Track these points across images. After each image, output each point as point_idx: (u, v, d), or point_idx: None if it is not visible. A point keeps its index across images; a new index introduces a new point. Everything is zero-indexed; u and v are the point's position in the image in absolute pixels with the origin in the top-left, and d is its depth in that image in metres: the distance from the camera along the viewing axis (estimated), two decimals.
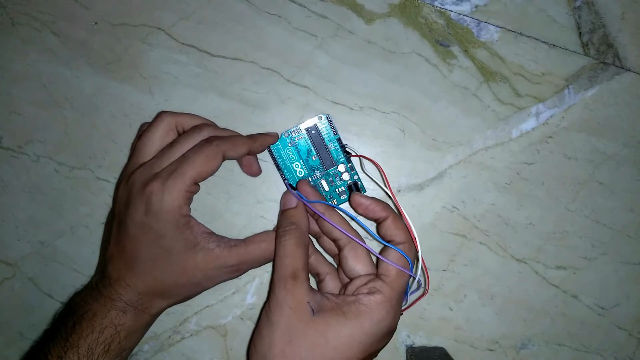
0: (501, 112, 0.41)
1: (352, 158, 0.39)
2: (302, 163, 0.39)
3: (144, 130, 0.36)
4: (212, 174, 0.34)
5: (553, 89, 0.41)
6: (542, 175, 0.41)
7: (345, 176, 0.39)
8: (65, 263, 0.40)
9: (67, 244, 0.41)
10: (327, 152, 0.39)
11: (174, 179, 0.32)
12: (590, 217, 0.41)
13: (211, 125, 0.37)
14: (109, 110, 0.41)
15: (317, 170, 0.39)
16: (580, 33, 0.41)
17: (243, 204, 0.41)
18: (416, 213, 0.41)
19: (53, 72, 0.41)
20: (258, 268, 0.40)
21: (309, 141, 0.39)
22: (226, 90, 0.41)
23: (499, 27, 0.41)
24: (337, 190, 0.40)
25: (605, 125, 0.41)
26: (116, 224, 0.34)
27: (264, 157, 0.41)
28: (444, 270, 0.41)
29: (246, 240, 0.35)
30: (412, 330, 0.41)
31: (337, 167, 0.39)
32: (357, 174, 0.40)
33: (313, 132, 0.39)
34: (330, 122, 0.39)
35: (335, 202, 0.40)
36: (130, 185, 0.33)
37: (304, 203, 0.35)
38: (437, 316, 0.41)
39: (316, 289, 0.34)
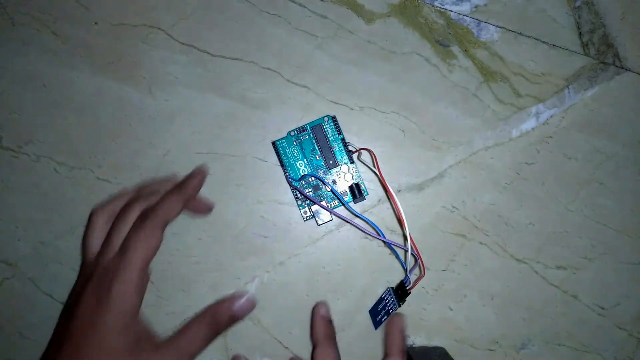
0: (501, 112, 0.41)
1: (353, 156, 0.40)
2: (306, 162, 0.39)
3: (84, 234, 0.35)
4: (158, 247, 0.33)
5: (553, 89, 0.41)
6: (542, 175, 0.41)
7: (348, 177, 0.40)
8: (65, 263, 0.40)
9: (67, 244, 0.40)
10: (331, 152, 0.39)
11: (122, 269, 0.31)
12: (590, 217, 0.41)
13: (140, 196, 0.35)
14: (109, 110, 0.41)
15: (321, 169, 0.39)
16: (580, 33, 0.41)
17: (243, 204, 0.41)
18: (416, 213, 0.41)
19: (53, 72, 0.41)
20: (258, 268, 0.40)
21: (313, 140, 0.39)
22: (226, 90, 0.41)
23: (499, 27, 0.41)
24: (339, 191, 0.40)
25: (605, 125, 0.41)
26: (64, 317, 0.33)
27: (265, 158, 0.41)
28: (444, 270, 0.41)
29: (179, 336, 0.33)
30: (412, 330, 0.41)
31: (340, 168, 0.39)
32: (360, 176, 0.40)
33: (318, 131, 0.39)
34: (335, 122, 0.39)
35: (338, 203, 0.40)
36: (83, 281, 0.33)
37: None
38: (437, 316, 0.41)
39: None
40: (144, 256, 0.32)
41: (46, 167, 0.41)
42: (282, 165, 0.39)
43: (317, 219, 0.39)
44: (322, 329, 0.36)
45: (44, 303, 0.40)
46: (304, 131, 0.39)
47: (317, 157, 0.39)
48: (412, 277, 0.36)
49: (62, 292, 0.41)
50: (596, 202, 0.41)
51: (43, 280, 0.40)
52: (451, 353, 0.40)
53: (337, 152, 0.39)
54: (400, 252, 0.39)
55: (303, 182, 0.40)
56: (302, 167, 0.39)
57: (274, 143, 0.39)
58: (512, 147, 0.41)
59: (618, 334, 0.41)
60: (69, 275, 0.40)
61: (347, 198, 0.40)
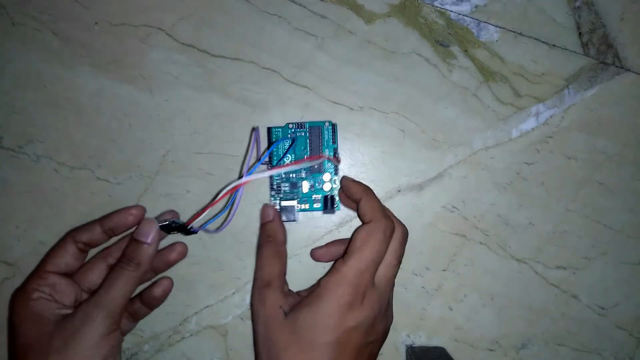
0: (501, 112, 0.41)
1: (338, 169, 0.40)
2: (293, 157, 0.39)
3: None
4: (66, 261, 0.35)
5: (553, 89, 0.41)
6: (542, 175, 0.41)
7: (327, 186, 0.39)
8: None
9: None
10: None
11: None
12: (590, 217, 0.41)
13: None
14: (109, 110, 0.41)
15: (304, 170, 0.39)
16: (580, 33, 0.41)
17: (243, 204, 0.41)
18: (416, 213, 0.41)
19: (53, 72, 0.41)
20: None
21: (307, 140, 0.39)
22: (226, 90, 0.41)
23: (499, 27, 0.41)
24: (313, 196, 0.39)
25: (605, 125, 0.41)
26: None
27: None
28: (444, 270, 0.41)
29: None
30: (412, 330, 0.41)
31: (322, 175, 0.39)
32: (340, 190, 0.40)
33: (314, 133, 0.39)
34: (334, 130, 0.39)
35: (307, 207, 0.39)
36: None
37: (279, 216, 0.38)
38: (437, 316, 0.41)
39: (294, 291, 0.36)
40: (51, 264, 0.34)
41: (46, 167, 0.41)
42: (267, 150, 0.39)
43: (283, 215, 0.39)
44: None
45: None
46: (302, 128, 0.39)
47: (305, 156, 0.39)
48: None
49: None
50: (596, 202, 0.41)
51: None
52: (451, 353, 0.40)
53: (325, 160, 0.39)
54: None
55: (283, 176, 0.39)
56: (289, 161, 0.39)
57: (269, 128, 0.39)
58: (512, 147, 0.41)
59: (618, 334, 0.41)
60: None
61: (319, 206, 0.39)
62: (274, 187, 0.39)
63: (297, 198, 0.39)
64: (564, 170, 0.41)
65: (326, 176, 0.39)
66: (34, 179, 0.41)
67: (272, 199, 0.39)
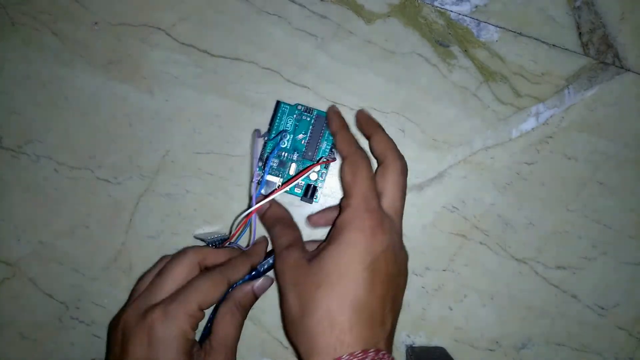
0: (501, 112, 0.41)
1: (330, 164, 0.39)
2: (291, 138, 0.39)
3: (165, 266, 0.34)
4: (215, 302, 0.33)
5: (553, 89, 0.41)
6: (542, 175, 0.41)
7: (313, 176, 0.39)
8: (65, 263, 0.40)
9: (67, 244, 0.41)
10: (316, 145, 0.39)
11: (178, 303, 0.31)
12: (590, 217, 0.41)
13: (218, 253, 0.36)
14: (109, 110, 0.41)
15: (297, 153, 0.39)
16: (580, 33, 0.41)
17: (243, 203, 0.41)
18: (416, 213, 0.41)
19: (53, 72, 0.41)
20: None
21: (311, 126, 0.39)
22: (226, 90, 0.41)
23: (499, 27, 0.41)
24: (298, 182, 0.39)
25: (605, 125, 0.41)
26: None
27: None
28: (444, 270, 0.41)
29: (216, 336, 0.34)
30: (412, 330, 0.41)
31: (313, 164, 0.38)
32: (323, 182, 0.39)
33: (319, 122, 0.39)
34: None
35: (288, 190, 0.38)
36: (126, 321, 0.32)
37: (273, 201, 0.38)
38: (437, 316, 0.41)
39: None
40: (203, 299, 0.32)
41: (46, 167, 0.41)
42: (271, 124, 0.39)
43: (262, 188, 0.38)
44: (335, 120, 0.37)
45: (44, 303, 0.40)
46: (309, 113, 0.39)
47: (302, 141, 0.39)
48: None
49: (62, 292, 0.41)
50: (596, 202, 0.41)
51: (43, 280, 0.40)
52: (451, 353, 0.40)
53: (320, 150, 0.39)
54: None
55: (277, 152, 0.39)
56: (284, 140, 0.39)
57: (278, 102, 0.39)
58: (512, 147, 0.41)
59: (618, 334, 0.41)
60: (69, 275, 0.40)
61: (300, 192, 0.39)
62: (263, 159, 0.38)
63: (281, 177, 0.39)
64: (564, 170, 0.41)
65: (316, 167, 0.39)
66: (34, 179, 0.41)
67: (258, 169, 0.38)
